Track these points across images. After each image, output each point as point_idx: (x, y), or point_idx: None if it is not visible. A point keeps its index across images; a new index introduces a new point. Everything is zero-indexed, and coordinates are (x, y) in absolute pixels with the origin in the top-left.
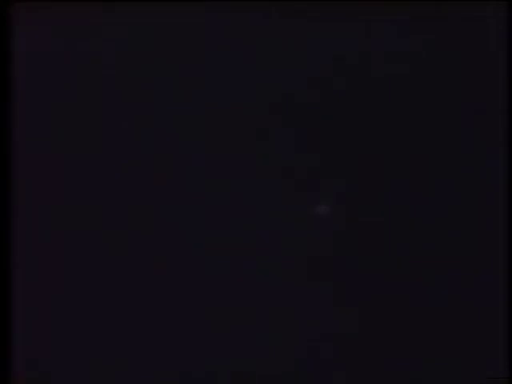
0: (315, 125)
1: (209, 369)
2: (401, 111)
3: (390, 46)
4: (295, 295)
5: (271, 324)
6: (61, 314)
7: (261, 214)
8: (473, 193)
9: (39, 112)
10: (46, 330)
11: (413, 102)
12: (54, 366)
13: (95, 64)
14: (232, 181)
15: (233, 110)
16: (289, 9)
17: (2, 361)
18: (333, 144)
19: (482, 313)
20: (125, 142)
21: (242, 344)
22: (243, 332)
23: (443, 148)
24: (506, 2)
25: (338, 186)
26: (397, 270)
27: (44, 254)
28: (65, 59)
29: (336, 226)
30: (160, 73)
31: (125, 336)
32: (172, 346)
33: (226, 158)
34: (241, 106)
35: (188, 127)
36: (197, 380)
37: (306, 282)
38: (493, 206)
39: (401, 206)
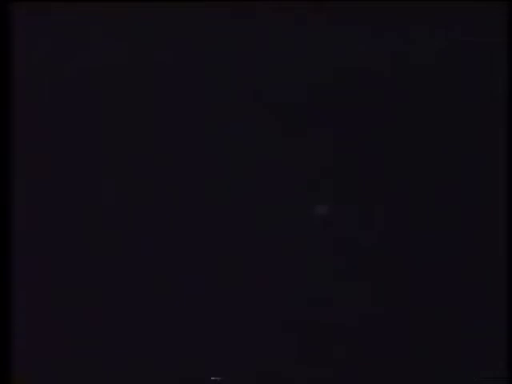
0: (315, 125)
1: (208, 369)
2: (401, 111)
3: (390, 46)
4: (295, 295)
5: (271, 324)
6: (61, 314)
7: (261, 213)
8: (473, 193)
9: (39, 112)
10: (46, 330)
11: (412, 102)
12: (53, 366)
13: (95, 64)
14: (232, 181)
15: (233, 110)
16: (289, 9)
17: (2, 361)
18: (333, 144)
19: (481, 313)
20: (125, 141)
21: (242, 344)
22: (243, 332)
23: (443, 148)
24: (506, 2)
25: (338, 186)
26: (397, 269)
27: (44, 254)
28: (65, 59)
29: (336, 225)
30: (160, 72)
31: (125, 336)
32: (171, 346)
33: (226, 157)
34: (241, 106)
35: (188, 127)
36: (197, 380)
37: (306, 282)
38: (493, 206)
39: (401, 206)
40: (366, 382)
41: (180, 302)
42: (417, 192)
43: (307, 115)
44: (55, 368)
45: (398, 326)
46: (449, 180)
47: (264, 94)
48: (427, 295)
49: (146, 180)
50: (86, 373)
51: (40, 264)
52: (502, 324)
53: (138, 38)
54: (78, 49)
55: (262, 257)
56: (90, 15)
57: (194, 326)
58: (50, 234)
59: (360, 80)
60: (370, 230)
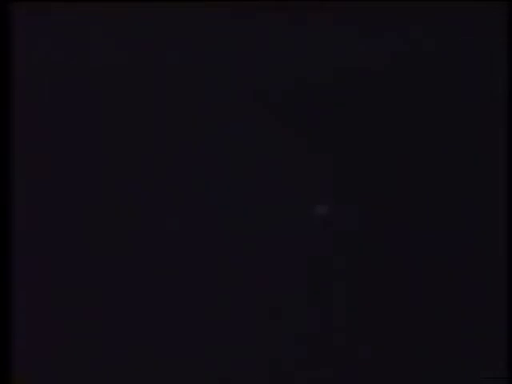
0: (315, 125)
1: (208, 369)
2: (400, 111)
3: (390, 46)
4: (294, 295)
5: (270, 324)
6: (61, 314)
7: (261, 214)
8: (473, 193)
9: (39, 112)
10: (46, 330)
11: (413, 102)
12: (53, 366)
13: (95, 64)
14: (232, 181)
15: (233, 110)
16: (289, 9)
17: (2, 361)
18: (333, 144)
19: (482, 313)
20: (125, 141)
21: (240, 344)
22: (241, 332)
23: (443, 148)
24: (506, 2)
25: (338, 186)
26: (397, 270)
27: (44, 254)
28: (65, 59)
29: (336, 225)
30: (160, 72)
31: (125, 336)
32: (172, 346)
33: (226, 157)
34: (241, 106)
35: (188, 127)
36: (197, 380)
37: (306, 282)
38: (493, 206)
39: (401, 206)
40: (366, 382)
41: (180, 302)
42: (417, 192)
43: (307, 115)
44: (55, 368)
45: (397, 326)
46: (449, 180)
47: (264, 94)
48: (427, 295)
49: (145, 180)
50: (86, 373)
51: (40, 264)
52: (502, 324)
53: (138, 38)
54: (77, 49)
55: (262, 257)
56: (89, 15)
57: (194, 326)
58: (50, 234)
59: (360, 80)
60: (370, 229)
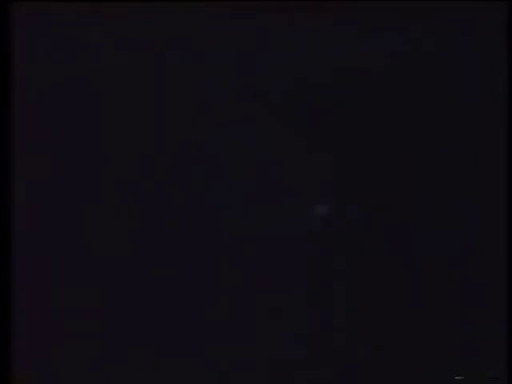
0: (315, 125)
1: (208, 369)
2: (400, 111)
3: (390, 46)
4: (294, 295)
5: (270, 324)
6: (61, 314)
7: (261, 214)
8: (473, 193)
9: (39, 112)
10: (46, 330)
11: (413, 102)
12: (53, 366)
13: (95, 64)
14: (232, 181)
15: (233, 110)
16: (289, 9)
17: (2, 361)
18: (333, 144)
19: (482, 313)
20: (125, 141)
21: (240, 344)
22: (241, 332)
23: (443, 148)
24: (506, 2)
25: (338, 186)
26: (397, 270)
27: (44, 254)
28: (65, 59)
29: (336, 225)
30: (160, 72)
31: (125, 336)
32: (172, 346)
33: (226, 157)
34: (241, 106)
35: (188, 127)
36: (196, 380)
37: (306, 282)
38: (493, 206)
39: (401, 206)
40: (366, 382)
41: (180, 302)
42: (417, 192)
43: (307, 115)
44: (55, 368)
45: (397, 326)
46: (449, 180)
47: (264, 94)
48: (427, 295)
49: (145, 180)
50: (86, 373)
51: (40, 264)
52: (502, 324)
53: (138, 38)
54: (77, 49)
55: (262, 257)
56: (89, 15)
57: (194, 325)
58: (50, 234)
59: (360, 80)
60: (370, 229)
